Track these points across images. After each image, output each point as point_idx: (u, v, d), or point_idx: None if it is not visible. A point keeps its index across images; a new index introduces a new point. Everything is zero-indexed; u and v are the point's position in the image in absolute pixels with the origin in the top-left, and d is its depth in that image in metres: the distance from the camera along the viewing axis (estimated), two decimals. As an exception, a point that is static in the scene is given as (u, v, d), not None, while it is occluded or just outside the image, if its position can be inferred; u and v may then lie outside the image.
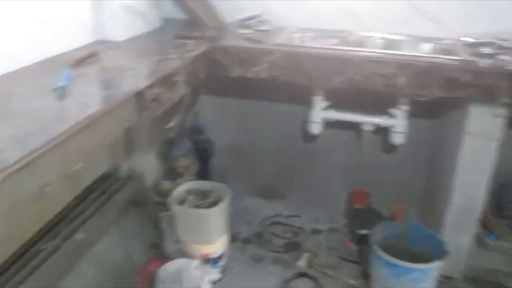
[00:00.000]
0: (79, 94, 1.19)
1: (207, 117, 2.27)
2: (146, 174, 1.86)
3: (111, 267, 1.59)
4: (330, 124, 1.97)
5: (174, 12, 2.05)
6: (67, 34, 1.54)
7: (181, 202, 1.79)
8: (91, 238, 1.48)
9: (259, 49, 1.69)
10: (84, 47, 1.59)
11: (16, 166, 0.83)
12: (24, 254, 1.27)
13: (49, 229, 1.37)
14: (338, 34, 1.94)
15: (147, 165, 1.91)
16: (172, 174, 2.00)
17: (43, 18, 1.42)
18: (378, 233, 1.73)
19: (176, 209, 1.74)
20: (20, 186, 0.85)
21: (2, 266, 1.18)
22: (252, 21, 1.94)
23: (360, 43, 1.84)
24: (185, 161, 2.04)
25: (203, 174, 2.17)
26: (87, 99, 1.18)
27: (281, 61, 1.67)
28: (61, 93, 1.16)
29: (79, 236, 1.41)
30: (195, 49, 1.63)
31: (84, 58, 1.42)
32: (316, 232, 2.14)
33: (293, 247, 2.04)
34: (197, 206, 1.76)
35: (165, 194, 1.86)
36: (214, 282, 1.70)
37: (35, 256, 1.28)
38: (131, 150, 1.74)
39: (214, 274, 1.71)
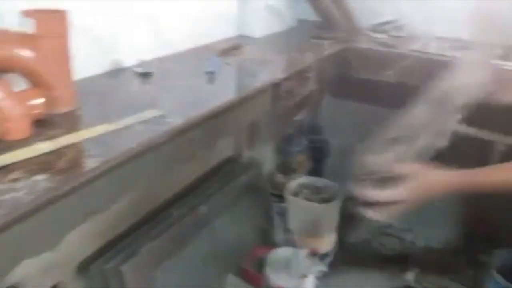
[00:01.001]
0: (225, 78, 1.33)
1: (325, 117, 2.30)
2: (264, 164, 1.96)
3: (224, 244, 1.71)
4: (457, 139, 1.87)
5: (307, 14, 2.14)
6: (216, 27, 1.72)
7: (295, 194, 1.85)
8: (211, 213, 1.61)
9: (393, 53, 1.70)
10: (228, 40, 1.76)
11: (178, 129, 0.96)
12: (156, 216, 1.43)
13: (178, 198, 1.52)
14: (478, 46, 1.84)
15: (265, 156, 2.02)
16: (285, 168, 2.07)
17: (198, 11, 1.61)
18: (498, 259, 1.61)
19: (290, 199, 1.81)
20: (179, 146, 0.98)
21: (139, 222, 1.35)
22: (387, 26, 1.94)
23: (504, 57, 1.73)
24: (300, 157, 2.10)
25: (315, 173, 2.20)
26: (231, 84, 1.31)
27: (414, 67, 1.65)
28: (211, 76, 1.30)
29: (203, 209, 1.55)
30: (329, 48, 1.70)
31: (229, 49, 1.57)
32: (428, 249, 2.05)
33: (401, 259, 1.97)
34: (310, 200, 1.81)
35: (277, 186, 1.94)
36: (320, 276, 1.72)
37: (165, 219, 1.44)
38: (255, 139, 1.85)
39: (321, 267, 1.73)
